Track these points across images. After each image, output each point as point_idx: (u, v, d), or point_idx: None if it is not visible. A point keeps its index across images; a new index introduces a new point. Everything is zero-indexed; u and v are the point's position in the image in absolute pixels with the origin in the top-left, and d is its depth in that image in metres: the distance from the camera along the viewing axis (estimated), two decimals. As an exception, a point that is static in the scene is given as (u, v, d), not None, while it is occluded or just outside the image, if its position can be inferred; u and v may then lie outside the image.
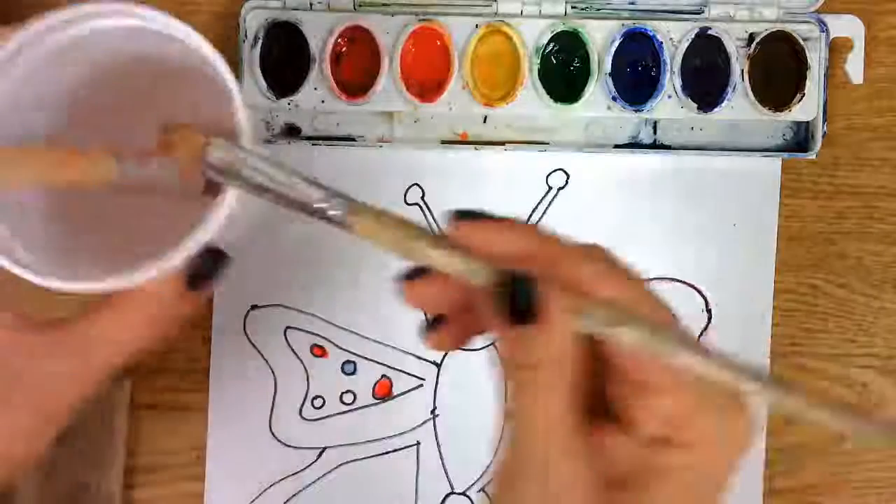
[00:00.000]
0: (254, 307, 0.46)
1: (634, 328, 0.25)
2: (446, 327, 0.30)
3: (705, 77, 0.44)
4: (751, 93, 0.44)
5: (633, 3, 0.45)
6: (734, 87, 0.44)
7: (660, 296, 0.27)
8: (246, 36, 0.44)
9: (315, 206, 0.28)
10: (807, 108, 0.44)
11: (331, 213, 0.28)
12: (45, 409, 0.31)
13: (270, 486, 0.46)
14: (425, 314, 0.30)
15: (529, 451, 0.25)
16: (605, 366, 0.27)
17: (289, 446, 0.46)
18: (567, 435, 0.25)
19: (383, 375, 0.47)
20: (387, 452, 0.46)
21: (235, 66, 0.45)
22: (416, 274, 0.28)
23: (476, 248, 0.26)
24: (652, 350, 0.25)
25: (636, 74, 0.45)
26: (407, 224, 0.27)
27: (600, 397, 0.27)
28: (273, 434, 0.46)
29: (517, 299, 0.25)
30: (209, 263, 0.31)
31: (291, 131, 0.46)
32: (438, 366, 0.47)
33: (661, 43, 0.44)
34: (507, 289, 0.25)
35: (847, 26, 0.46)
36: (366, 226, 0.28)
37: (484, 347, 0.46)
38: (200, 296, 0.32)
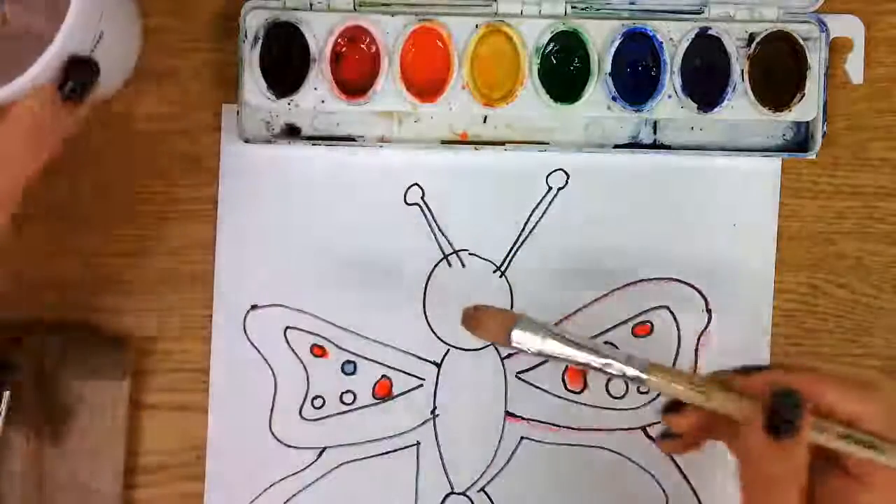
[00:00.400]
0: (254, 307, 0.46)
1: (872, 450, 0.32)
2: (681, 439, 0.37)
3: (705, 77, 0.44)
4: (751, 93, 0.44)
5: (633, 3, 0.45)
6: (734, 87, 0.44)
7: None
8: (246, 36, 0.44)
9: (616, 370, 0.35)
10: (807, 108, 0.44)
11: (630, 373, 0.35)
12: None
13: (270, 486, 0.46)
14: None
15: None
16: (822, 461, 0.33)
17: (289, 446, 0.46)
18: None
19: (383, 375, 0.47)
20: (387, 452, 0.46)
21: (235, 66, 0.45)
22: (674, 408, 0.36)
23: (744, 390, 0.34)
24: (880, 462, 0.32)
25: (636, 74, 0.45)
26: (688, 376, 0.34)
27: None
28: (273, 434, 0.46)
29: (782, 415, 0.32)
30: (77, 72, 0.35)
31: (291, 131, 0.46)
32: (438, 366, 0.47)
33: (661, 43, 0.44)
34: (773, 406, 0.32)
35: (847, 26, 0.46)
36: (656, 381, 0.34)
37: (484, 347, 0.47)
38: (77, 107, 0.36)
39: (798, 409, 0.31)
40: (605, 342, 0.46)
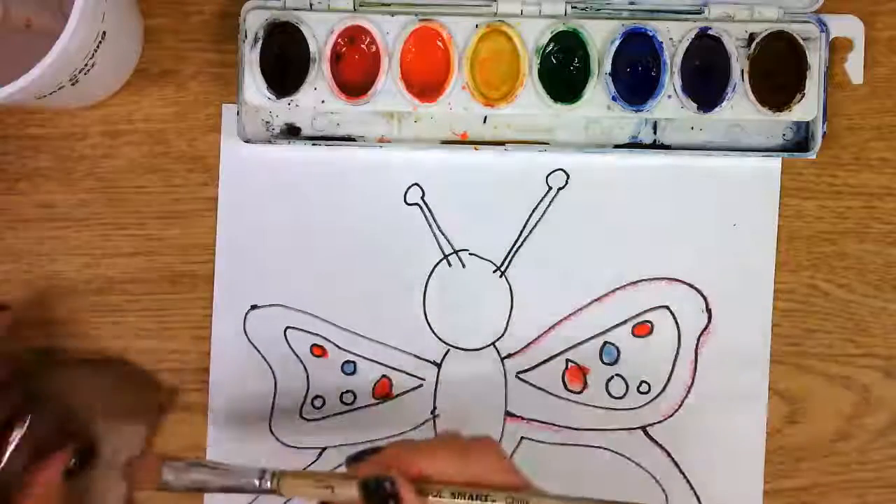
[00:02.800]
0: (254, 307, 0.46)
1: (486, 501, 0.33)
2: None
3: (705, 77, 0.44)
4: (751, 93, 0.44)
5: (633, 3, 0.45)
6: (734, 87, 0.44)
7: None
8: (246, 36, 0.44)
9: (252, 485, 0.35)
10: (807, 108, 0.44)
11: (265, 486, 0.35)
12: None
13: (270, 486, 0.46)
14: None
15: None
16: None
17: (289, 446, 0.46)
18: None
19: (383, 375, 0.47)
20: (387, 452, 0.46)
21: (235, 66, 0.45)
22: None
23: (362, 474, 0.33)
24: None
25: (636, 74, 0.45)
26: (318, 475, 0.35)
27: None
28: (273, 434, 0.46)
29: (372, 497, 0.32)
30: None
31: (291, 131, 0.46)
32: (438, 366, 0.47)
33: (661, 43, 0.44)
34: (367, 490, 0.33)
35: (847, 26, 0.46)
36: (288, 489, 0.35)
37: (484, 348, 0.47)
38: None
39: (386, 490, 0.32)
40: (606, 342, 0.46)
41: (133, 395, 0.45)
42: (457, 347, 0.46)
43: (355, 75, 0.45)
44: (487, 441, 0.35)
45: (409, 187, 0.46)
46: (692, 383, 0.46)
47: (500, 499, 0.33)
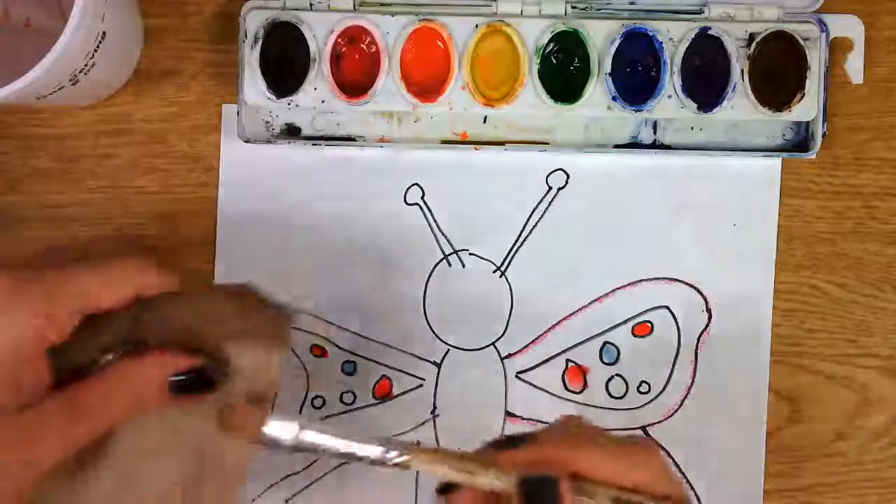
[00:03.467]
0: (254, 307, 0.46)
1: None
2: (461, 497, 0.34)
3: (705, 77, 0.44)
4: (751, 93, 0.44)
5: (633, 3, 0.45)
6: (734, 87, 0.44)
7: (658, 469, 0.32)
8: (246, 36, 0.44)
9: (376, 458, 0.32)
10: (807, 108, 0.44)
11: (393, 461, 0.32)
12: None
13: (270, 486, 0.46)
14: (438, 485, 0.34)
15: None
16: None
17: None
18: None
19: (383, 375, 0.47)
20: (387, 452, 0.46)
21: (235, 66, 0.45)
22: (448, 488, 0.33)
23: (503, 465, 0.32)
24: None
25: (636, 74, 0.45)
26: (453, 455, 0.32)
27: None
28: (273, 434, 0.46)
29: (539, 498, 0.30)
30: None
31: (291, 131, 0.46)
32: (438, 366, 0.47)
33: (661, 43, 0.44)
34: (529, 489, 0.31)
35: (847, 26, 0.46)
36: (418, 464, 0.32)
37: (484, 348, 0.47)
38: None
39: (549, 492, 0.30)
40: (606, 342, 0.46)
41: (262, 321, 0.38)
42: (457, 347, 0.46)
43: (355, 75, 0.45)
44: (650, 446, 0.33)
45: (409, 187, 0.46)
46: (692, 383, 0.46)
47: None
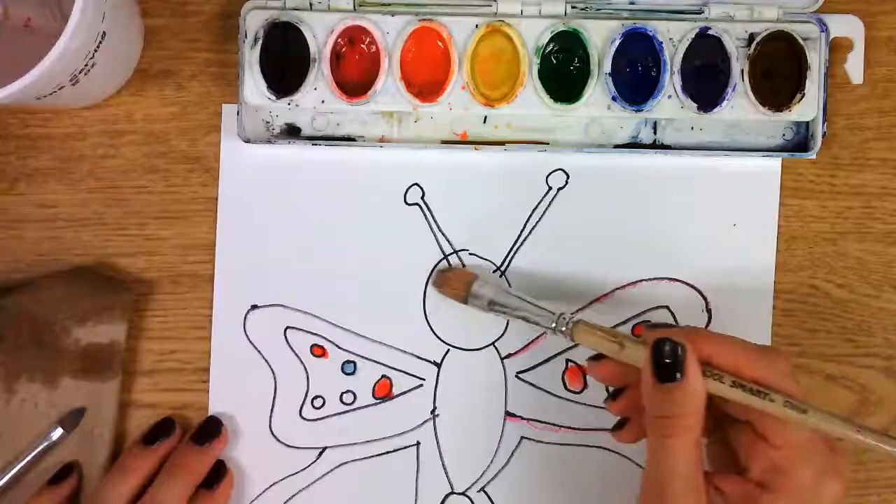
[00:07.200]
0: (254, 307, 0.46)
1: (761, 398, 0.35)
2: (629, 426, 0.40)
3: (705, 77, 0.44)
4: (751, 93, 0.44)
5: (633, 3, 0.45)
6: (734, 87, 0.44)
7: (781, 365, 0.36)
8: (246, 36, 0.44)
9: (547, 326, 0.41)
10: (807, 108, 0.44)
11: (559, 329, 0.40)
12: None
13: (270, 486, 0.46)
14: (607, 389, 0.42)
15: (663, 484, 0.34)
16: (729, 418, 0.37)
17: (289, 446, 0.46)
18: (691, 474, 0.34)
19: (383, 375, 0.47)
20: (387, 452, 0.46)
21: (235, 66, 0.45)
22: (596, 358, 0.39)
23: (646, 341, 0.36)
24: (775, 416, 0.35)
25: (636, 74, 0.45)
26: (610, 331, 0.39)
27: (722, 447, 0.38)
28: (273, 434, 0.46)
29: (662, 361, 0.34)
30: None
31: (291, 131, 0.46)
32: (438, 366, 0.47)
33: (661, 43, 0.44)
34: (658, 347, 0.35)
35: (847, 26, 0.46)
36: (580, 335, 0.39)
37: (484, 347, 0.47)
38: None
39: (677, 354, 0.34)
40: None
41: (105, 297, 0.45)
42: (457, 347, 0.46)
43: (355, 75, 0.45)
44: (779, 349, 0.37)
45: (409, 187, 0.46)
46: (692, 383, 0.46)
47: (779, 399, 0.34)
